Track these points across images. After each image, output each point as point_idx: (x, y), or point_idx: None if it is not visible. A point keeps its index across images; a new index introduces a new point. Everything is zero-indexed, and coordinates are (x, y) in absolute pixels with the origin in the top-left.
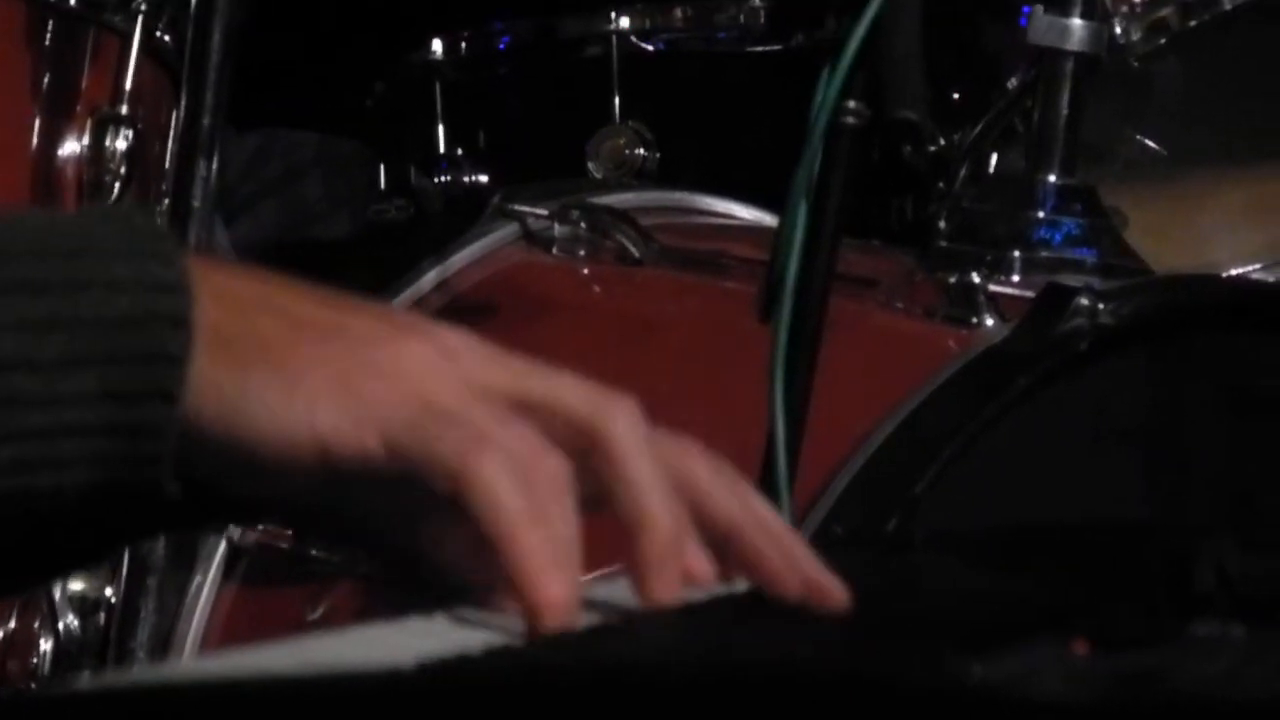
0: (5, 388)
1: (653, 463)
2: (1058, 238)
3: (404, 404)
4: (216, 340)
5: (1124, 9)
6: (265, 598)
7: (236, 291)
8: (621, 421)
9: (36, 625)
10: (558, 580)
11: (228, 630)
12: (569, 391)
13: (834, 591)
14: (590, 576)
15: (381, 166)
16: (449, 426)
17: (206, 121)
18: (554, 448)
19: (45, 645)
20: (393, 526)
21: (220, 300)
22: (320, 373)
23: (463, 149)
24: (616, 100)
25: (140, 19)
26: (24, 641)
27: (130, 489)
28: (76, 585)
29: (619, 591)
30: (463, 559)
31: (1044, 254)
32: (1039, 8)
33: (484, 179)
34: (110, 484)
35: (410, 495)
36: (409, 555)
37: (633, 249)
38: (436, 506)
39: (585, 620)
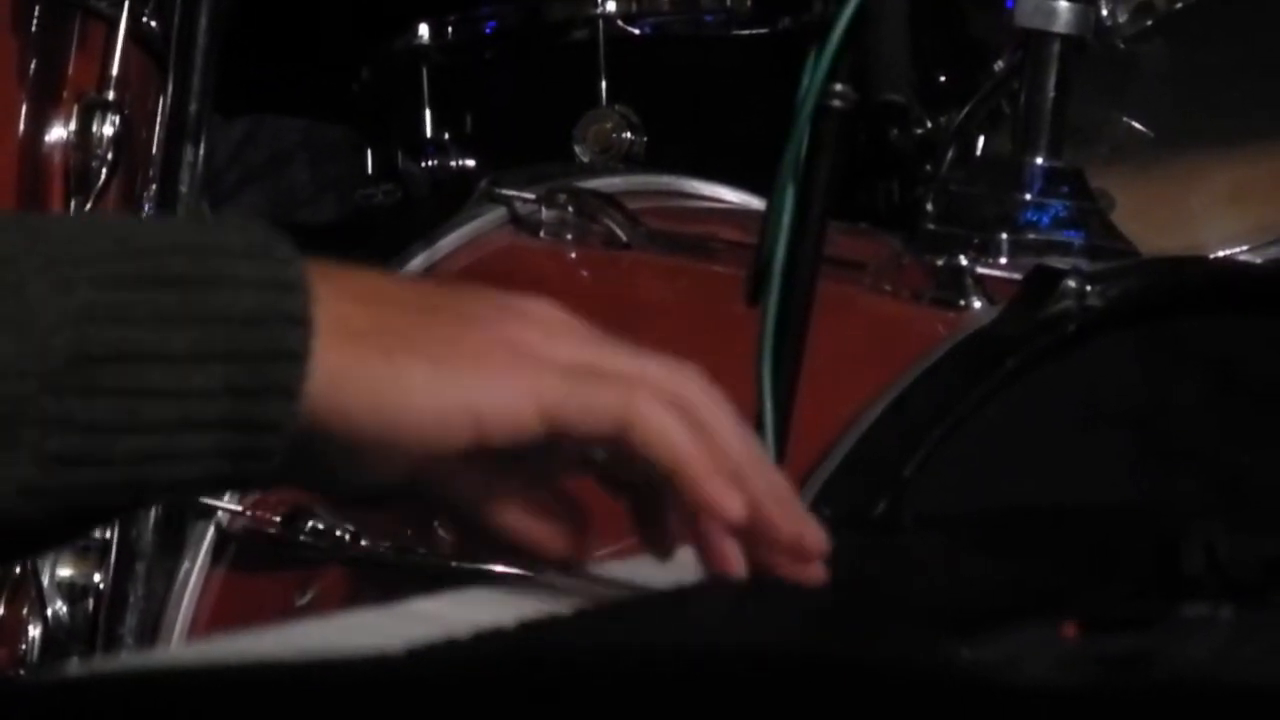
0: (138, 379)
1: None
2: (1045, 220)
3: (549, 371)
4: (352, 333)
5: None
6: (254, 583)
7: (360, 287)
8: (704, 391)
9: (25, 611)
10: (732, 498)
11: (216, 616)
12: (651, 364)
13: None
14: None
15: (369, 151)
16: (599, 381)
17: (193, 107)
18: (690, 371)
19: (34, 632)
20: (467, 501)
21: (348, 296)
22: (461, 354)
23: (449, 133)
24: (603, 84)
25: (127, 5)
26: (12, 628)
27: (242, 482)
28: (65, 571)
29: (615, 572)
30: (526, 526)
31: (1031, 236)
32: None
33: (471, 163)
34: (225, 476)
35: (495, 470)
36: (474, 525)
37: (620, 233)
38: (511, 479)
39: (576, 604)
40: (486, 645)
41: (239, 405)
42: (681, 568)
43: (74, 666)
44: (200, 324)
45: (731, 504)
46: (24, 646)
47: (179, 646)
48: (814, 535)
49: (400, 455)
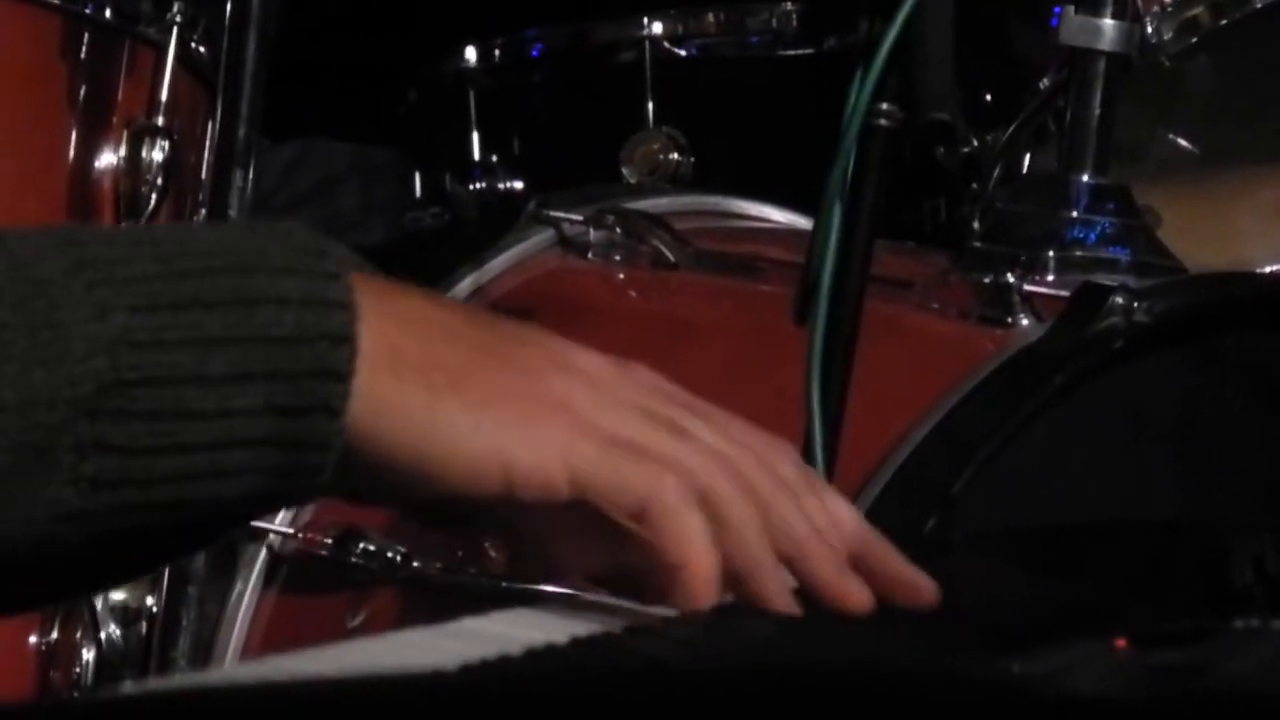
0: (175, 401)
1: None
2: (1092, 237)
3: (587, 437)
4: (399, 361)
5: (1155, 8)
6: (306, 605)
7: (413, 313)
8: (782, 463)
9: (79, 635)
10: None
11: (268, 638)
12: (717, 432)
13: (924, 588)
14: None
15: (416, 174)
16: (633, 458)
17: (242, 132)
18: (727, 448)
19: (88, 655)
20: (518, 526)
21: (399, 321)
22: (505, 403)
23: (497, 156)
24: (650, 105)
25: (175, 30)
26: (66, 652)
27: (287, 498)
28: (118, 595)
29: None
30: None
31: (1078, 253)
32: (1070, 8)
33: (519, 185)
34: (270, 493)
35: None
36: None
37: (668, 253)
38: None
39: (627, 622)
40: (539, 662)
41: (282, 424)
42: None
43: (127, 686)
44: (241, 344)
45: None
46: (78, 670)
47: (232, 666)
48: (856, 600)
49: (433, 489)
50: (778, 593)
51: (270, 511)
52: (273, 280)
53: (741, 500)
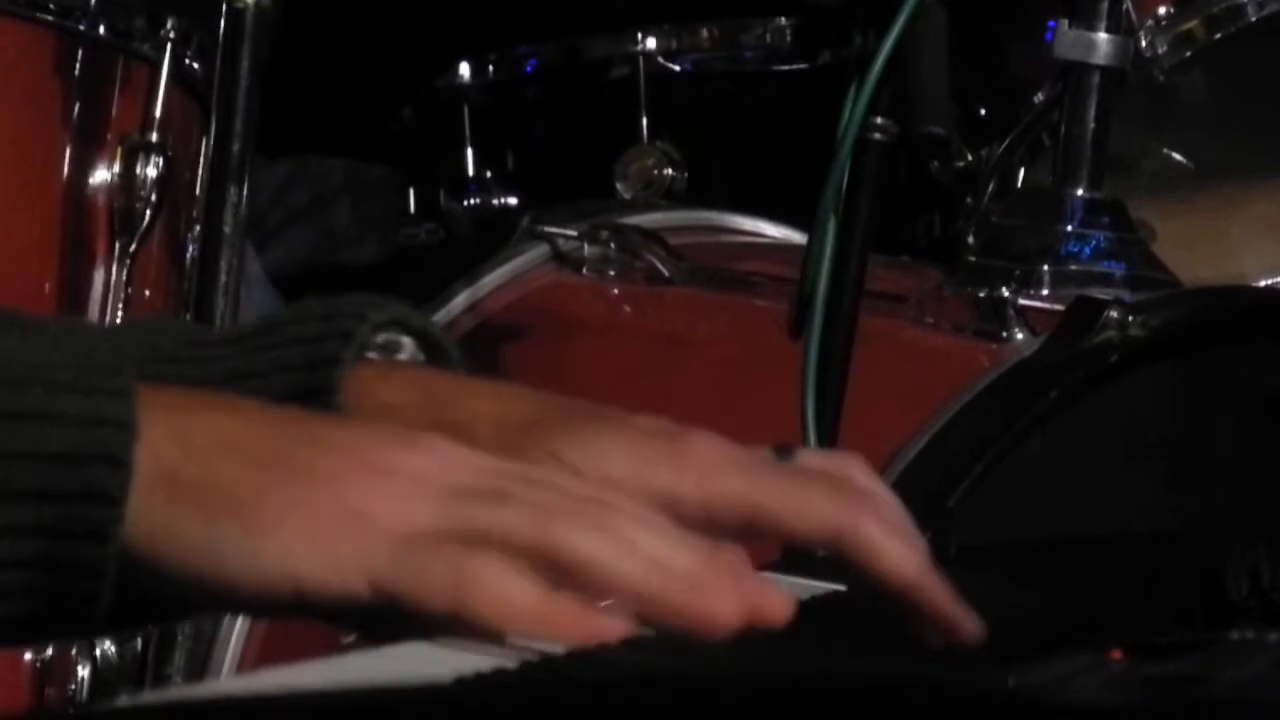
0: None
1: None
2: (1086, 251)
3: (382, 542)
4: (175, 485)
5: (1149, 22)
6: (300, 621)
7: (197, 431)
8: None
9: (74, 652)
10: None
11: (263, 654)
12: (550, 494)
13: (966, 624)
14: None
15: (411, 191)
16: (435, 552)
17: (236, 148)
18: (552, 483)
19: (83, 672)
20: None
21: (181, 442)
22: (290, 519)
23: (491, 172)
24: (644, 121)
25: (169, 47)
26: (61, 668)
27: (65, 623)
28: None
29: None
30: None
31: (1073, 267)
32: (1064, 22)
33: (513, 201)
34: (44, 618)
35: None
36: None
37: (662, 268)
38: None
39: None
40: (534, 673)
41: (51, 546)
42: None
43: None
44: (8, 460)
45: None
46: (73, 686)
47: (227, 680)
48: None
49: (229, 610)
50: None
51: (52, 639)
52: (51, 397)
53: (584, 531)
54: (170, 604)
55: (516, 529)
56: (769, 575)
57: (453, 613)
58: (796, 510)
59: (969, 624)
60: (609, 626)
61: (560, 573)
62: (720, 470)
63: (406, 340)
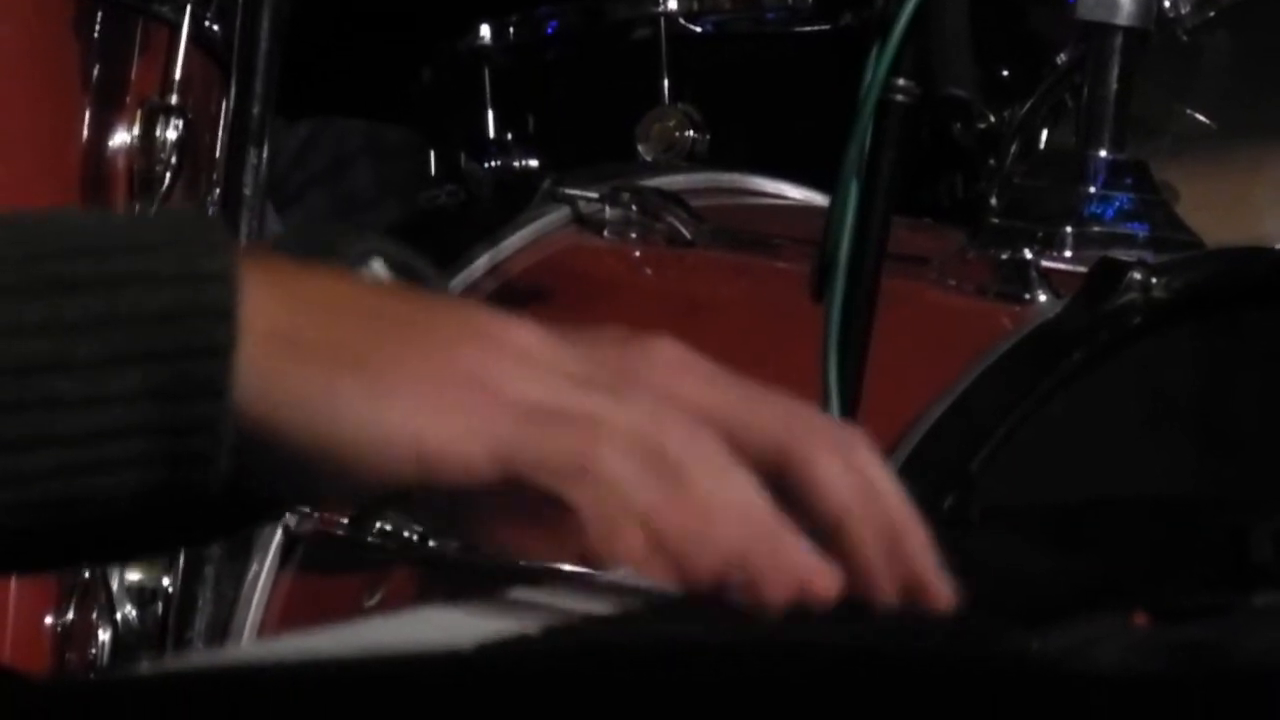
0: (40, 390)
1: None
2: (1109, 213)
3: (505, 412)
4: (292, 340)
5: None
6: (322, 585)
7: (308, 289)
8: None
9: (95, 616)
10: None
11: (285, 618)
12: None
13: (939, 593)
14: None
15: (431, 153)
16: (560, 425)
17: (256, 110)
18: (675, 410)
19: (104, 636)
20: (457, 514)
21: (291, 297)
22: (413, 380)
23: (512, 134)
24: (665, 83)
25: (189, 9)
26: (82, 632)
27: (183, 489)
28: (134, 575)
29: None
30: (522, 541)
31: (1095, 229)
32: None
33: (534, 164)
34: (162, 484)
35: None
36: (468, 537)
37: (684, 231)
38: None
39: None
40: (557, 639)
41: (163, 408)
42: None
43: (143, 666)
44: (109, 327)
45: (689, 569)
46: (94, 651)
47: (249, 645)
48: (817, 576)
49: (343, 478)
50: (750, 547)
51: (168, 529)
52: (141, 257)
53: (695, 446)
54: (285, 483)
55: (629, 423)
56: None
57: (568, 491)
58: (744, 419)
59: (882, 589)
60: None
61: (669, 478)
62: (680, 376)
63: (378, 266)
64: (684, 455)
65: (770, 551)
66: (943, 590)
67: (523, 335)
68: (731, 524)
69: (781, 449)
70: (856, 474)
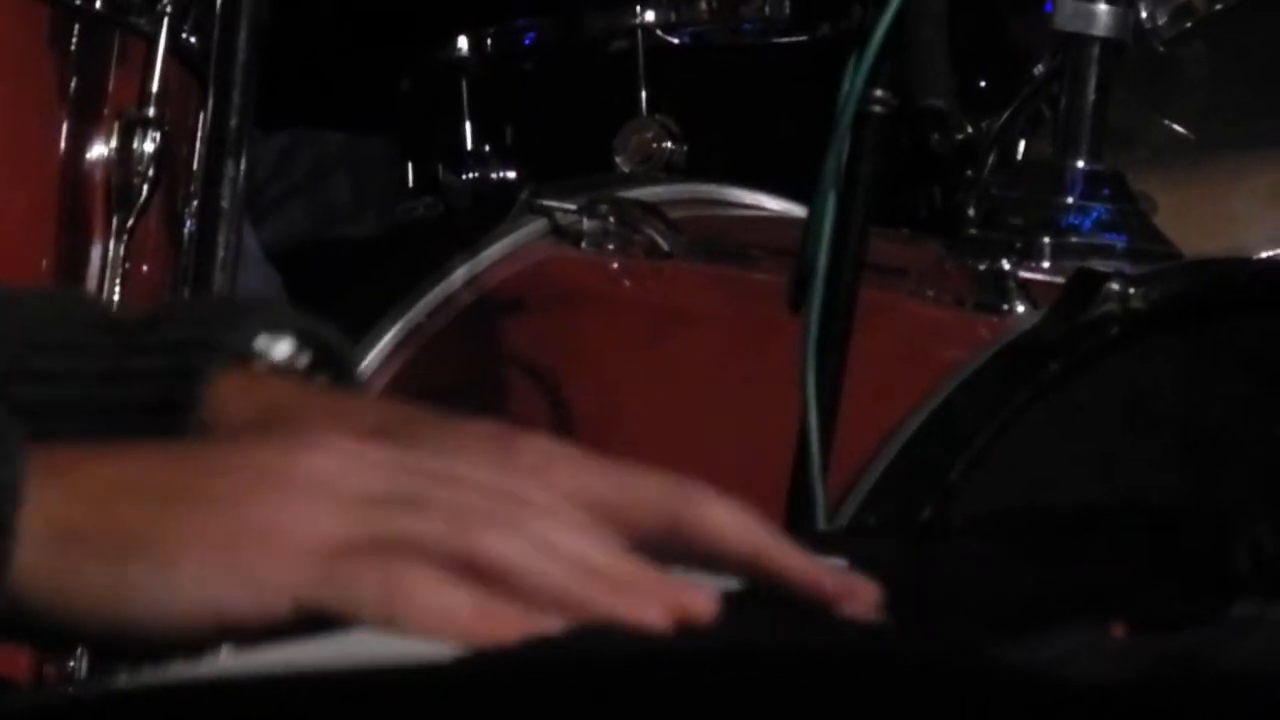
0: None
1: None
2: (1087, 223)
3: (302, 559)
4: (76, 537)
5: None
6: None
7: (87, 481)
8: (538, 502)
9: None
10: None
11: None
12: (466, 488)
13: (863, 590)
14: None
15: (409, 164)
16: (360, 563)
17: (234, 122)
18: (471, 482)
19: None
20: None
21: (73, 494)
22: (200, 550)
23: (490, 145)
24: (643, 94)
25: (166, 21)
26: None
27: None
28: None
29: None
30: None
31: (1073, 240)
32: None
33: (512, 175)
34: None
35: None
36: None
37: (662, 242)
38: None
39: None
40: (534, 652)
41: None
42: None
43: (122, 679)
44: None
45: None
46: (72, 663)
47: (228, 658)
48: (684, 594)
49: (155, 654)
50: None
51: None
52: None
53: (502, 533)
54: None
55: (433, 536)
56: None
57: (386, 625)
58: (630, 498)
59: (828, 581)
60: (546, 627)
61: (484, 578)
62: (552, 467)
63: (283, 344)
64: (492, 544)
65: (611, 586)
66: (867, 589)
67: (316, 463)
68: (556, 581)
69: (670, 515)
70: (742, 513)
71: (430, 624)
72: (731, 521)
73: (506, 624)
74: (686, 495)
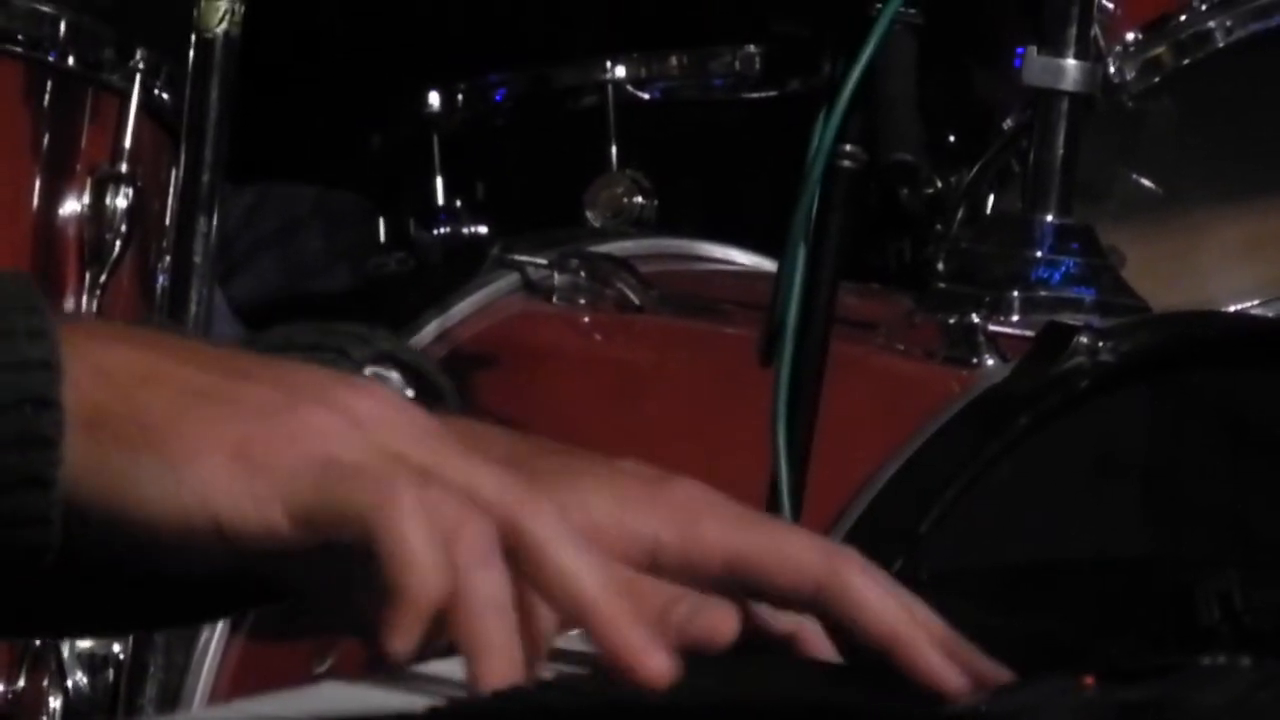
0: None
1: (579, 550)
2: (1056, 277)
3: (306, 467)
4: (97, 420)
5: (1118, 48)
6: (273, 652)
7: (119, 363)
8: (541, 518)
9: (45, 683)
10: (500, 664)
11: (235, 685)
12: (487, 480)
13: (951, 680)
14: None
15: (380, 219)
16: (358, 479)
17: (206, 178)
18: (478, 512)
19: (55, 703)
20: (318, 593)
21: (101, 375)
22: (212, 450)
23: (461, 200)
24: (613, 149)
25: (138, 77)
26: (33, 700)
27: (15, 575)
28: (85, 642)
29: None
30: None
31: (1043, 293)
32: (1033, 49)
33: (483, 230)
34: None
35: (327, 567)
36: (340, 619)
37: (633, 296)
38: (354, 575)
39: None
40: (506, 704)
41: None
42: None
43: None
44: None
45: (492, 674)
46: (45, 718)
47: (200, 712)
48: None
49: (151, 551)
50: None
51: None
52: None
53: (484, 551)
54: (99, 561)
55: (440, 507)
56: None
57: (363, 541)
58: (777, 559)
59: (953, 679)
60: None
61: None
62: (701, 517)
63: (394, 375)
64: (470, 550)
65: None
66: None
67: (355, 401)
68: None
69: (816, 580)
70: (889, 594)
71: (409, 549)
72: (878, 599)
73: (486, 562)
74: (836, 561)
